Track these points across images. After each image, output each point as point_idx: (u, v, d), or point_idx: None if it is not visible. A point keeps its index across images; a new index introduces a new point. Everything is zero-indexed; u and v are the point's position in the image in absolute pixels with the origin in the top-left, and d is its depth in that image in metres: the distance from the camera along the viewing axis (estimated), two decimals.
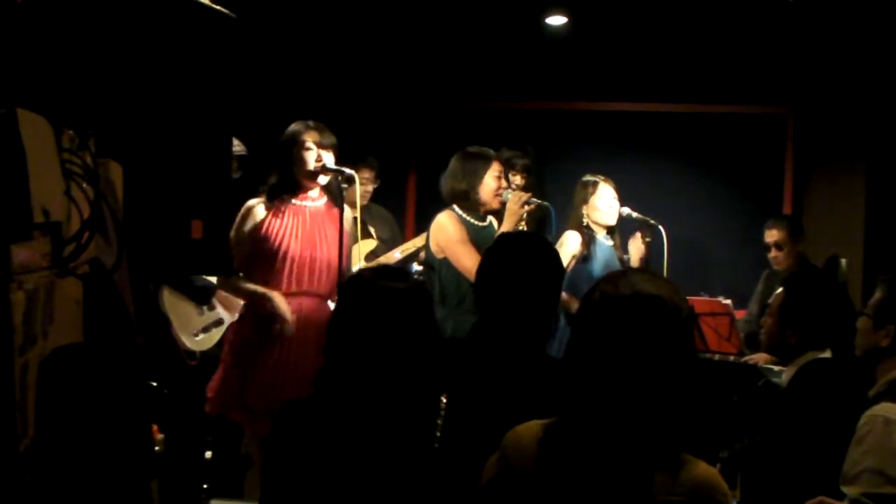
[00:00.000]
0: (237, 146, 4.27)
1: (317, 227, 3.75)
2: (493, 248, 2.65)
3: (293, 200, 3.76)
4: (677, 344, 1.67)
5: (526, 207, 4.04)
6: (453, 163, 4.14)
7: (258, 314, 3.71)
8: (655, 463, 1.64)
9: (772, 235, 5.15)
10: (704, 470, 1.68)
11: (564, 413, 1.73)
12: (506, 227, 3.99)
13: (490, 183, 4.06)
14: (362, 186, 5.22)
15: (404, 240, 5.32)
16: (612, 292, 1.71)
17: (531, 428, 1.77)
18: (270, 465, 2.18)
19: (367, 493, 2.07)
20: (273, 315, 3.66)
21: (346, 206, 3.91)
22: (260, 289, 3.69)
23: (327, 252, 3.75)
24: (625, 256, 4.80)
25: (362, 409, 2.12)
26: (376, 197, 5.59)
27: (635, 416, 1.65)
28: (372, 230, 5.26)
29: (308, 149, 3.73)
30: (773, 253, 5.15)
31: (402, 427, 2.13)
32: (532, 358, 2.46)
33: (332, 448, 2.09)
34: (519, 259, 2.55)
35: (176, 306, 4.15)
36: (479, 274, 2.61)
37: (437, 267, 3.98)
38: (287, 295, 3.70)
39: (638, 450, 1.65)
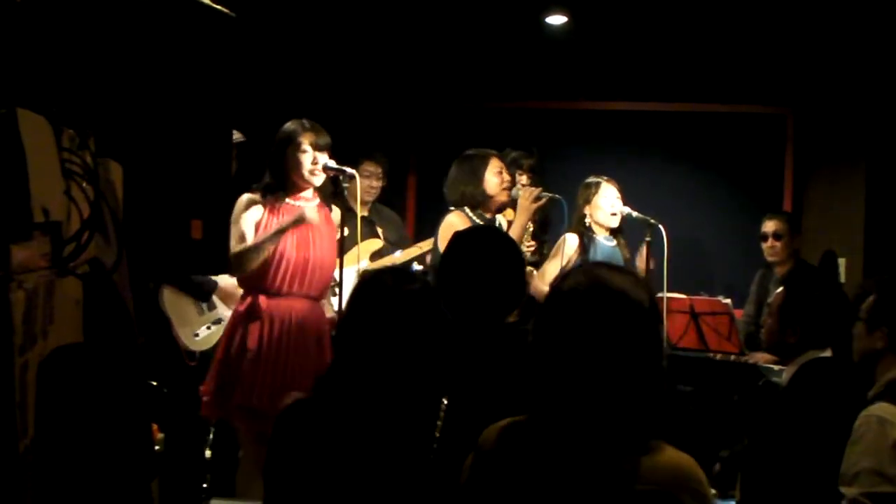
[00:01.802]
0: (234, 134, 4.25)
1: (310, 228, 3.74)
2: (450, 247, 2.65)
3: (287, 200, 3.75)
4: (639, 336, 1.66)
5: (538, 202, 4.03)
6: (453, 169, 4.16)
7: (250, 316, 3.70)
8: (622, 453, 1.63)
9: (770, 226, 5.13)
10: (677, 457, 1.66)
11: (532, 407, 1.73)
12: (518, 222, 3.99)
13: (492, 178, 4.08)
14: (366, 180, 5.21)
15: (412, 243, 5.29)
16: (573, 285, 1.71)
17: (504, 425, 1.77)
18: (273, 464, 2.19)
19: (368, 493, 2.07)
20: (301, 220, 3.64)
21: (334, 206, 3.90)
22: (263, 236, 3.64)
23: (320, 253, 3.75)
24: (629, 256, 4.78)
25: (366, 410, 2.12)
26: (378, 197, 5.58)
27: (598, 408, 1.64)
28: (380, 231, 5.25)
29: (304, 151, 3.72)
30: (769, 243, 5.13)
31: (404, 428, 2.13)
32: (505, 353, 2.47)
33: (334, 448, 2.10)
34: (478, 254, 2.55)
35: (176, 306, 4.15)
36: (441, 273, 2.61)
37: None
38: (279, 296, 3.69)
39: (602, 442, 1.64)
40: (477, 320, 2.49)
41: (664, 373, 1.69)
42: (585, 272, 1.73)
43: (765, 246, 5.17)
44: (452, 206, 4.13)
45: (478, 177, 4.07)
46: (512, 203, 4.12)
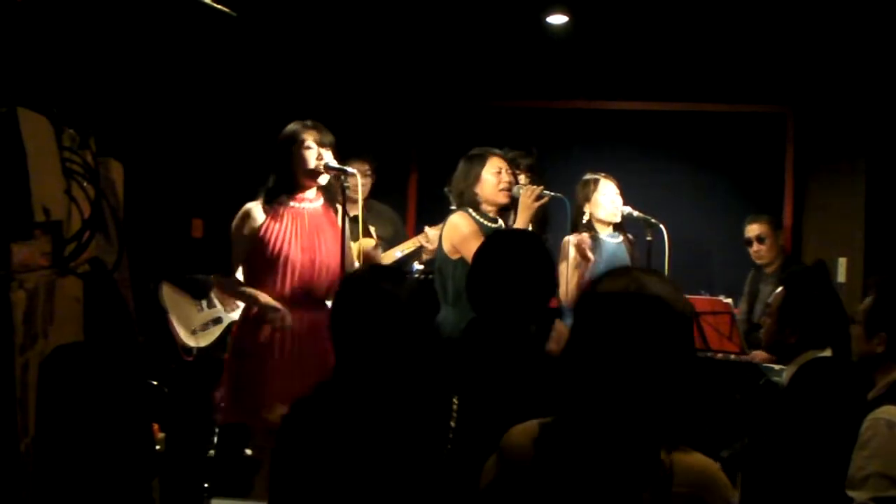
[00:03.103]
0: None
1: (315, 229, 3.74)
2: (483, 247, 2.65)
3: (291, 203, 3.74)
4: (677, 344, 1.68)
5: (540, 201, 4.01)
6: (457, 167, 4.15)
7: (257, 318, 3.70)
8: (657, 456, 1.64)
9: (753, 230, 5.31)
10: (704, 460, 1.69)
11: (562, 409, 1.73)
12: (520, 222, 3.96)
13: (489, 179, 4.04)
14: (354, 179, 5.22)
15: (408, 237, 5.28)
16: (614, 289, 1.71)
17: (529, 428, 1.77)
18: (280, 463, 2.19)
19: (375, 491, 2.08)
20: (265, 316, 3.67)
21: (337, 206, 3.90)
22: (249, 291, 3.71)
23: (325, 254, 3.74)
24: (636, 253, 4.78)
25: (366, 406, 2.13)
26: (378, 195, 5.57)
27: (634, 411, 1.65)
28: (372, 229, 5.24)
29: (308, 147, 3.72)
30: (755, 247, 5.30)
31: (409, 425, 2.13)
32: (529, 354, 2.47)
33: (341, 445, 2.10)
34: (509, 256, 2.55)
35: (176, 302, 4.15)
36: (471, 273, 2.61)
37: (451, 267, 3.96)
38: (286, 298, 3.69)
39: (638, 444, 1.65)
40: (506, 321, 2.49)
41: (696, 378, 1.70)
42: (626, 276, 1.73)
43: (751, 250, 5.33)
44: (455, 205, 4.12)
45: (473, 176, 4.05)
46: (513, 202, 4.10)
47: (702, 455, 1.69)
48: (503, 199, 4.05)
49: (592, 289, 1.75)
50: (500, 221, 4.12)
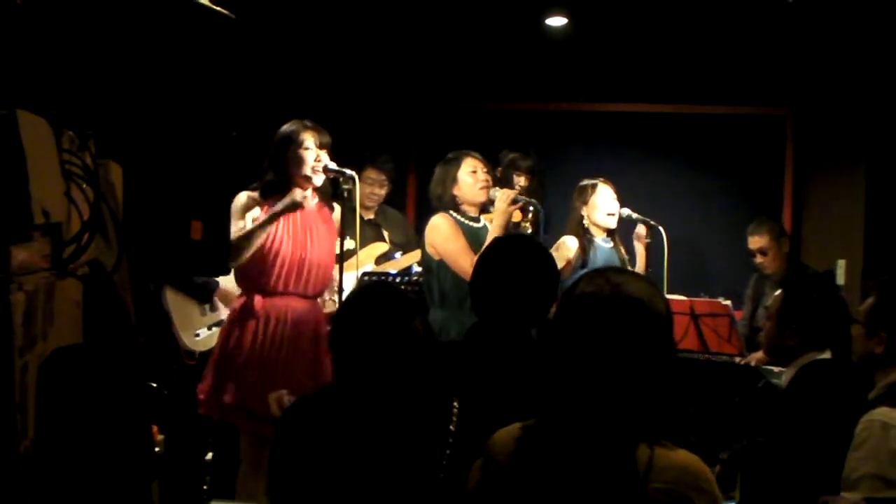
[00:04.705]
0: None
1: (308, 227, 3.74)
2: (487, 252, 2.66)
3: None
4: (654, 343, 1.69)
5: (514, 206, 4.04)
6: (434, 174, 4.18)
7: (245, 315, 3.69)
8: (635, 454, 1.64)
9: (754, 242, 5.19)
10: (686, 456, 1.69)
11: (544, 410, 1.74)
12: (496, 225, 3.98)
13: (466, 179, 4.07)
14: (368, 187, 5.22)
15: (418, 243, 5.31)
16: (591, 291, 1.72)
17: (514, 430, 1.78)
18: (278, 461, 2.19)
19: (375, 492, 2.08)
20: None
21: (336, 206, 3.90)
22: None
23: (318, 253, 3.74)
24: (626, 257, 4.79)
25: (366, 410, 2.13)
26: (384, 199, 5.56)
27: (612, 411, 1.66)
28: (386, 233, 5.25)
29: (307, 148, 3.72)
30: (758, 259, 5.20)
31: (409, 428, 2.14)
32: (530, 359, 2.48)
33: (340, 447, 2.10)
34: (513, 261, 2.56)
35: (178, 305, 4.16)
36: (475, 277, 2.62)
37: (436, 269, 3.98)
38: (276, 295, 3.69)
39: (616, 443, 1.66)
40: (508, 326, 2.50)
41: (675, 377, 1.71)
42: (604, 278, 1.74)
43: (756, 262, 5.23)
44: (435, 208, 4.14)
45: (449, 179, 4.08)
46: (492, 203, 4.12)
47: (686, 451, 1.69)
48: (482, 197, 4.08)
49: (570, 291, 1.76)
50: (483, 221, 4.13)
